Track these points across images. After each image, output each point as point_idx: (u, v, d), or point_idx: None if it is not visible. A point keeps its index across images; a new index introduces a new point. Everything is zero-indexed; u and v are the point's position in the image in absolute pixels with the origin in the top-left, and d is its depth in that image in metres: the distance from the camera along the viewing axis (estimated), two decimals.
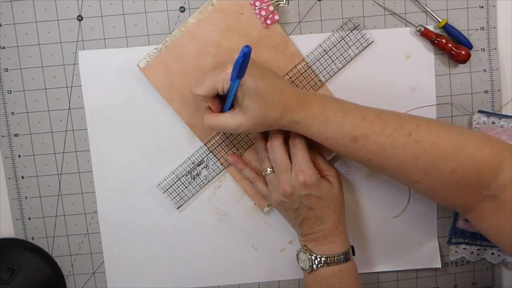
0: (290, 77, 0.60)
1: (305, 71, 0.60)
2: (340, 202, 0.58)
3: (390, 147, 0.51)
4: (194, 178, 0.62)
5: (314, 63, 0.60)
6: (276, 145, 0.56)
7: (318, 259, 0.56)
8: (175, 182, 0.62)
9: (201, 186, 0.62)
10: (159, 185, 0.62)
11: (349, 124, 0.52)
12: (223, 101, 0.55)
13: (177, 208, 0.63)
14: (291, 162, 0.56)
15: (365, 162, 0.53)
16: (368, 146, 0.51)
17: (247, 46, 0.44)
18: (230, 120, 0.53)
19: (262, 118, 0.52)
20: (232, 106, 0.54)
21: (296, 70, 0.60)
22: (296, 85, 0.60)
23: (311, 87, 0.61)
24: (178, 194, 0.62)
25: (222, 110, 0.55)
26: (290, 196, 0.55)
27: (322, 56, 0.60)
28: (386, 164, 0.52)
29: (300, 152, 0.56)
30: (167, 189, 0.62)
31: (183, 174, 0.62)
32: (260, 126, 0.53)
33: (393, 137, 0.51)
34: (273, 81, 0.52)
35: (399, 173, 0.52)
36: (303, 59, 0.60)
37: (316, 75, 0.61)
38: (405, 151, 0.51)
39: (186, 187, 0.62)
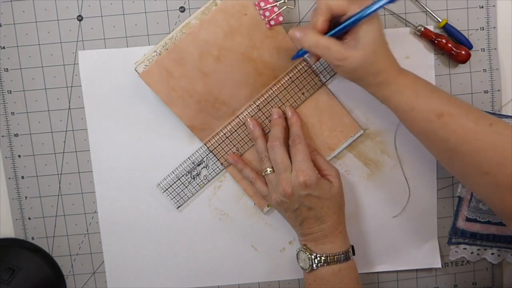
0: (291, 77, 0.60)
1: (305, 71, 0.60)
2: (340, 202, 0.58)
3: (471, 131, 0.50)
4: (194, 178, 0.62)
5: (314, 63, 0.60)
6: (276, 145, 0.56)
7: (318, 258, 0.56)
8: (175, 182, 0.62)
9: (201, 186, 0.62)
10: (159, 184, 0.62)
11: (437, 100, 0.51)
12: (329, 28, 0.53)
13: (177, 208, 0.63)
14: (291, 162, 0.56)
15: (441, 142, 0.52)
16: (451, 125, 0.51)
17: None
18: (338, 48, 0.51)
19: (370, 64, 0.51)
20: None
21: (297, 70, 0.60)
22: (296, 85, 0.60)
23: (311, 87, 0.61)
24: (178, 193, 0.62)
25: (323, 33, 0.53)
26: (290, 196, 0.55)
27: None
28: (462, 148, 0.51)
29: (300, 152, 0.56)
30: (167, 189, 0.62)
31: (183, 174, 0.62)
32: (359, 72, 0.52)
33: (477, 122, 0.51)
34: (386, 40, 0.52)
35: (471, 160, 0.51)
36: (303, 59, 0.60)
37: (317, 75, 0.61)
38: (485, 138, 0.50)
39: (186, 187, 0.62)
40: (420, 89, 0.52)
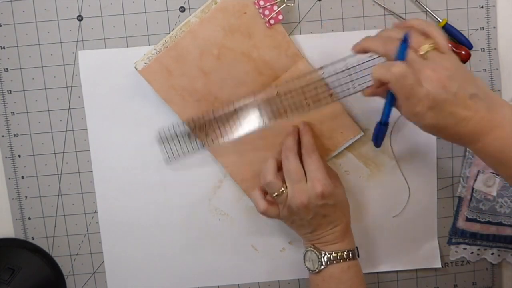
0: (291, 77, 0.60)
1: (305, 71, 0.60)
2: (347, 203, 0.58)
3: None
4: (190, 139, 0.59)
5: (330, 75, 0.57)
6: (290, 155, 0.55)
7: (328, 255, 0.55)
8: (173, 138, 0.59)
9: (195, 150, 0.60)
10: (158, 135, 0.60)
11: None
12: None
13: (166, 163, 0.61)
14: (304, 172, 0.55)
15: None
16: None
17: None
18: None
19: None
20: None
21: (297, 70, 0.60)
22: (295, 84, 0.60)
23: (319, 100, 0.60)
24: (172, 149, 0.60)
25: None
26: (306, 207, 0.54)
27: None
28: None
29: (314, 162, 0.55)
30: (163, 140, 0.60)
31: (183, 133, 0.59)
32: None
33: None
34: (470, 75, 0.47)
35: None
36: (303, 59, 0.60)
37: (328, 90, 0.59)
38: None
39: (181, 145, 0.59)
40: None
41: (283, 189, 0.55)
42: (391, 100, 0.48)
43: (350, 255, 0.56)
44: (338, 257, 0.55)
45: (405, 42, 0.45)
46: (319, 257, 0.56)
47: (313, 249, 0.57)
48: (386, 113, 0.50)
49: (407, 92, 0.45)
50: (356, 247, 0.58)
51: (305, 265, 0.58)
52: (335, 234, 0.56)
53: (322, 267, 0.55)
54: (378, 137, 0.54)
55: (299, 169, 0.55)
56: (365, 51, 0.50)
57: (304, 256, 0.58)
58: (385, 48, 0.47)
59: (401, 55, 0.45)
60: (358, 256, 0.58)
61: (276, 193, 0.55)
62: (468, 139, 0.46)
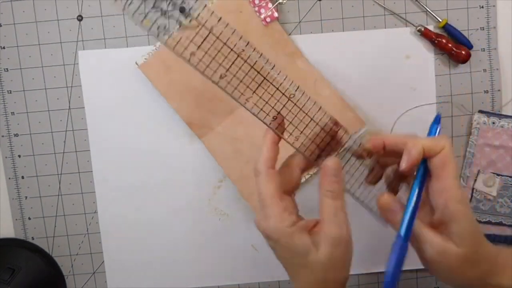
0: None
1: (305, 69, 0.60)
2: (327, 277, 0.41)
3: None
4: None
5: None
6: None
7: None
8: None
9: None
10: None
11: None
12: None
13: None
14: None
15: None
16: None
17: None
18: (435, 239, 0.40)
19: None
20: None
21: (296, 68, 0.60)
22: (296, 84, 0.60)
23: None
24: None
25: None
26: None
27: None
28: None
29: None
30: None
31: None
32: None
33: None
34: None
35: None
36: (302, 57, 0.60)
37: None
38: None
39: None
40: None
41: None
42: (422, 182, 0.41)
43: None
44: None
45: (436, 122, 0.43)
46: None
47: None
48: (412, 211, 0.40)
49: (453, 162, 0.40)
50: None
51: None
52: None
53: None
54: (396, 269, 0.40)
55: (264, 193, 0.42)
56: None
57: None
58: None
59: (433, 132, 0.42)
60: None
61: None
62: None
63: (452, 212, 0.39)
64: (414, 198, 0.41)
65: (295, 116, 0.43)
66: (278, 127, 0.42)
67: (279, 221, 0.41)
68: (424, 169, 0.41)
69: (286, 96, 0.42)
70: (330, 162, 0.42)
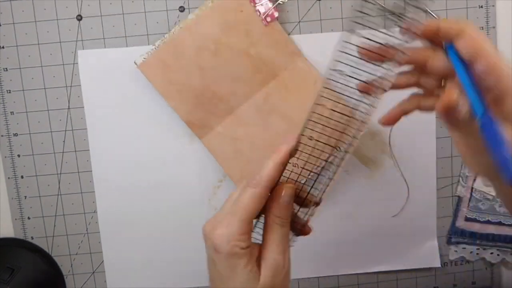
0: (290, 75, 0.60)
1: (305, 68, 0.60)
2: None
3: None
4: None
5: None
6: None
7: None
8: None
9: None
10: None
11: None
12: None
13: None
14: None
15: None
16: None
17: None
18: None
19: None
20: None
21: (296, 68, 0.60)
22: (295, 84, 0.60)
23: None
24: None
25: None
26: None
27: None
28: None
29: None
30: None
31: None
32: None
33: None
34: None
35: None
36: (302, 57, 0.60)
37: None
38: None
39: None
40: None
41: None
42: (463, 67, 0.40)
43: None
44: None
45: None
46: None
47: None
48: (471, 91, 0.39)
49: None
50: None
51: None
52: None
53: None
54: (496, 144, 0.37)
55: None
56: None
57: None
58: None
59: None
60: None
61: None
62: None
63: (506, 87, 0.37)
64: (467, 78, 0.40)
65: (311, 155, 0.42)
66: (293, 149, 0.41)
67: (237, 238, 0.38)
68: (455, 55, 0.41)
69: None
70: (287, 188, 0.40)
